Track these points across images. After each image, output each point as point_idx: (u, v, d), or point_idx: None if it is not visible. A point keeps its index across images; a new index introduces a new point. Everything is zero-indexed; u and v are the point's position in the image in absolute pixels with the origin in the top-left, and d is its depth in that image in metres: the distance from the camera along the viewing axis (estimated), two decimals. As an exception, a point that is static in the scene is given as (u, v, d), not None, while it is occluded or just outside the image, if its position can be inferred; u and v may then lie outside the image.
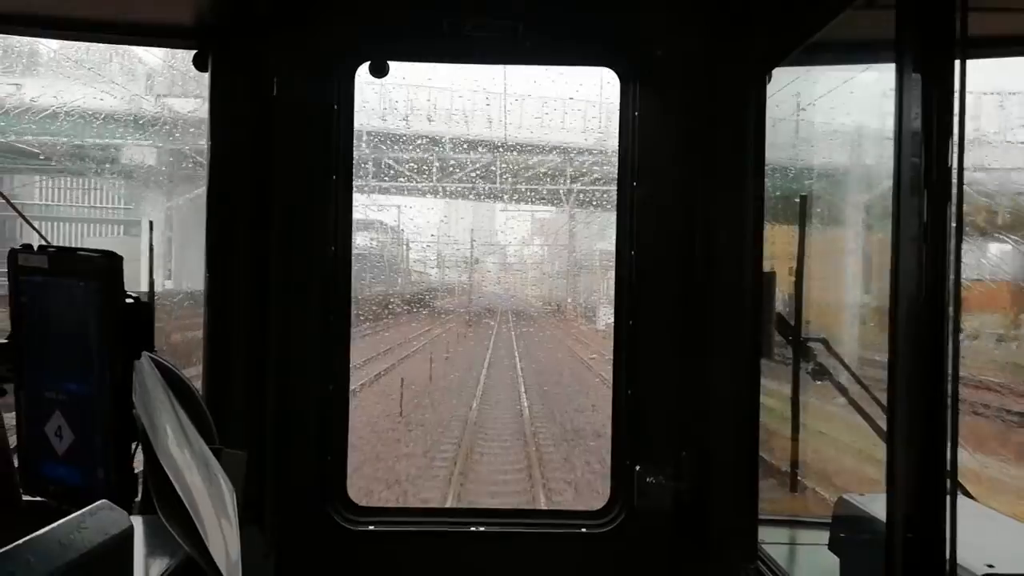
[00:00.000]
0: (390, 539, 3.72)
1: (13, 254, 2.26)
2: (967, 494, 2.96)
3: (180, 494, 2.11)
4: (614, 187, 3.81)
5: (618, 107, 3.74)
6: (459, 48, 3.78)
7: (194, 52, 3.50)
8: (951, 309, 2.07)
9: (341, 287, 3.74)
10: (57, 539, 1.55)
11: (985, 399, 11.89)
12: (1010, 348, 14.62)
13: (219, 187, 3.55)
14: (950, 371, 2.06)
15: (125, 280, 2.15)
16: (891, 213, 2.16)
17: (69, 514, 1.67)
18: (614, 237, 3.80)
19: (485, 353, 21.94)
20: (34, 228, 2.57)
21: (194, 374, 3.20)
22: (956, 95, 2.07)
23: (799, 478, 3.88)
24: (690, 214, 3.63)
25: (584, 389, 18.25)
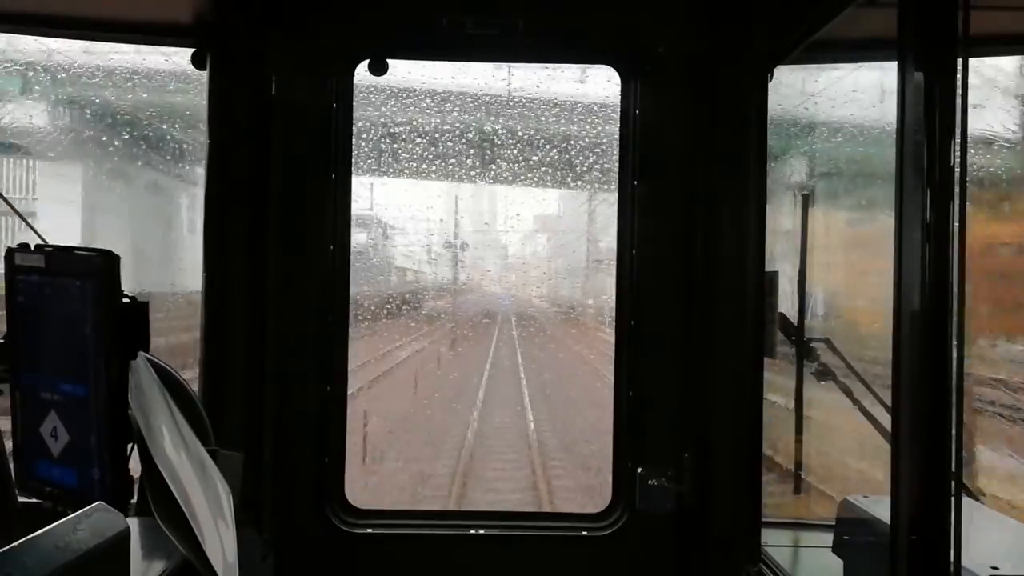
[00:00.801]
0: (389, 541, 3.70)
1: (10, 253, 2.24)
2: (972, 496, 2.95)
3: (176, 496, 2.09)
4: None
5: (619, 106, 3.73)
6: (459, 46, 3.77)
7: (192, 51, 3.49)
8: (955, 310, 2.06)
9: (340, 286, 3.72)
10: (52, 541, 1.53)
11: None
12: None
13: (217, 186, 3.53)
14: (955, 372, 2.05)
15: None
16: (893, 213, 2.15)
17: (65, 516, 1.65)
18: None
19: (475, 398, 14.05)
20: (31, 227, 2.55)
21: (191, 375, 3.19)
22: (959, 93, 2.05)
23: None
24: (691, 213, 3.62)
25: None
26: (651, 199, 3.66)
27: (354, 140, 3.76)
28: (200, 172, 3.52)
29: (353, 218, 3.69)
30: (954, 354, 2.06)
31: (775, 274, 3.48)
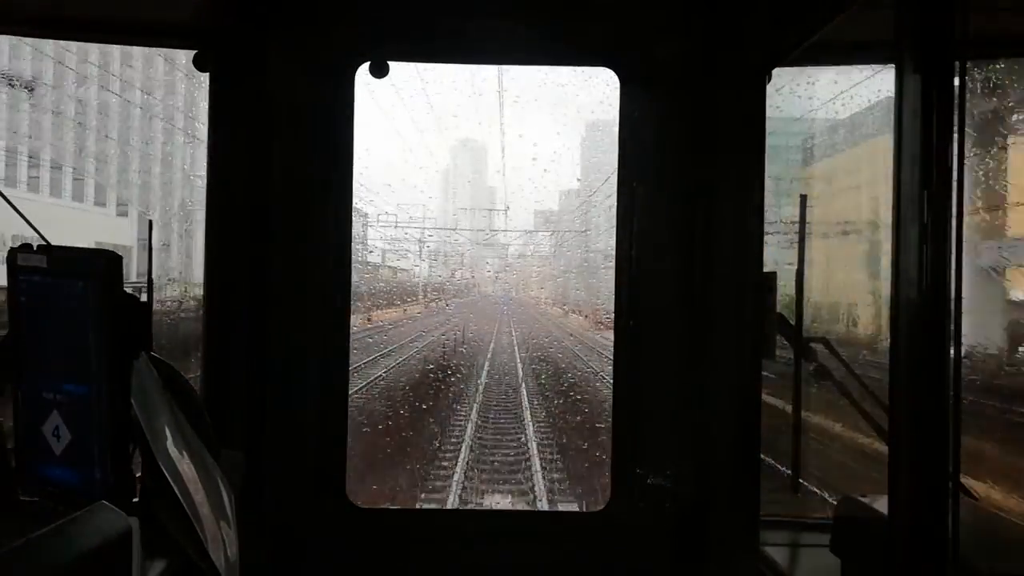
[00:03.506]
0: (389, 540, 3.71)
1: (12, 253, 2.25)
2: (969, 494, 2.95)
3: (178, 495, 2.10)
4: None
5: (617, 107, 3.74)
6: (459, 48, 3.78)
7: (194, 52, 3.50)
8: (953, 310, 2.07)
9: (340, 287, 3.73)
10: (55, 541, 1.54)
11: None
12: None
13: (218, 187, 3.54)
14: (952, 372, 2.06)
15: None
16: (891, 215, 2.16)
17: (67, 515, 1.66)
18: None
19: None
20: (33, 227, 2.56)
21: (193, 375, 3.20)
22: (956, 95, 2.06)
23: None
24: (691, 214, 3.63)
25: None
26: (651, 199, 3.67)
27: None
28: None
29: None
30: (952, 353, 2.07)
31: (774, 274, 3.49)
